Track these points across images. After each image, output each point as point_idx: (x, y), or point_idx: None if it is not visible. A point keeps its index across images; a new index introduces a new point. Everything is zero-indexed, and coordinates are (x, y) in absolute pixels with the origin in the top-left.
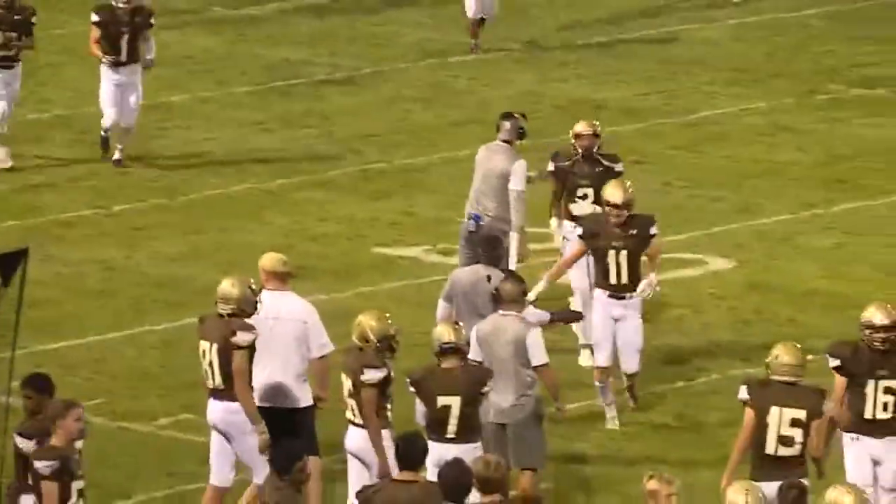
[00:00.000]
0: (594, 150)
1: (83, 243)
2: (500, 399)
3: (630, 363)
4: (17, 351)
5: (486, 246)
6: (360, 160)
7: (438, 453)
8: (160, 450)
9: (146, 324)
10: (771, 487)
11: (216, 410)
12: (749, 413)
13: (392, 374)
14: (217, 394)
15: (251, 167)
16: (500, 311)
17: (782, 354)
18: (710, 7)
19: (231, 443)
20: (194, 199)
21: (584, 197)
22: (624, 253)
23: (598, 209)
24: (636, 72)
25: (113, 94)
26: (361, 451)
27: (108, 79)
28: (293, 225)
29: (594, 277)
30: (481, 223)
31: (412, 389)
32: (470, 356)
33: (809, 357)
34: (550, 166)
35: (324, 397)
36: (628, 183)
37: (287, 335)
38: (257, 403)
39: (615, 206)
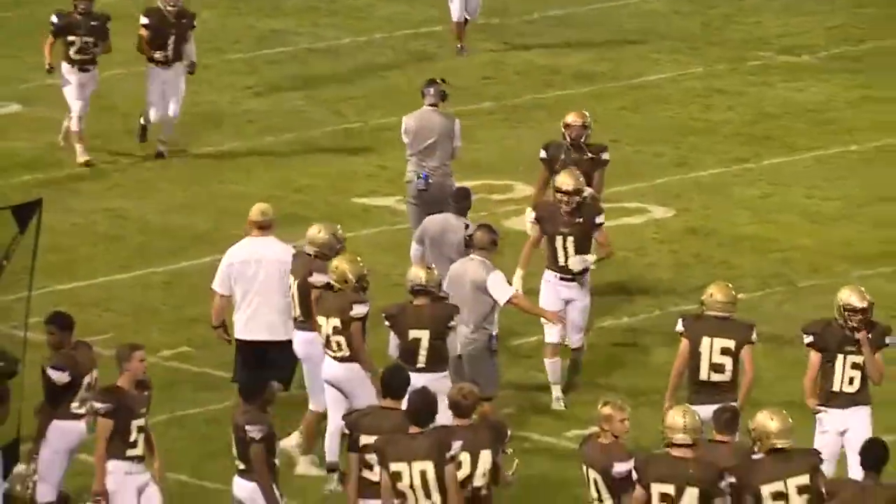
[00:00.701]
0: (582, 140)
1: (94, 195)
2: (461, 331)
3: (573, 340)
4: (34, 291)
5: (457, 196)
6: (340, 121)
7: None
8: (162, 378)
9: (150, 266)
10: (706, 410)
11: (297, 341)
12: (684, 343)
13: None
14: (297, 324)
15: (244, 127)
16: (470, 256)
17: (716, 293)
18: None
19: (312, 368)
20: (193, 155)
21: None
22: (571, 238)
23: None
24: (588, 41)
25: (159, 92)
26: (340, 381)
27: (154, 78)
28: (280, 178)
29: (546, 260)
30: (430, 181)
31: (387, 324)
32: (445, 288)
33: (740, 295)
34: (542, 154)
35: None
36: (578, 172)
37: (269, 275)
38: (243, 337)
39: (566, 192)
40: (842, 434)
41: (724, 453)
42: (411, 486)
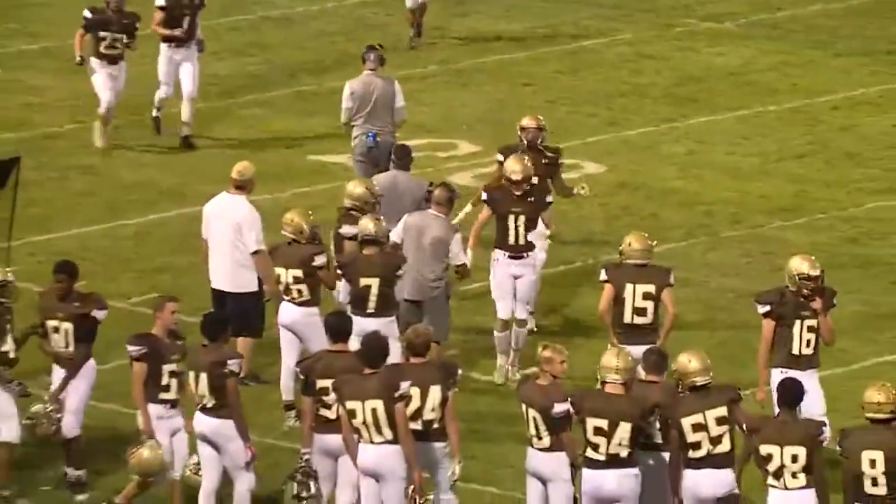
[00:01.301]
0: (538, 143)
1: (68, 153)
2: (420, 280)
3: (519, 312)
4: (13, 241)
5: (399, 153)
6: (295, 83)
7: (360, 326)
8: (132, 323)
9: (121, 219)
10: (633, 350)
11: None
12: (608, 288)
13: None
14: None
15: (207, 89)
16: (431, 211)
17: (633, 242)
18: None
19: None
20: (160, 116)
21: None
22: (522, 218)
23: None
24: (526, 8)
25: (171, 72)
26: (297, 325)
27: (167, 57)
28: (241, 136)
29: (496, 240)
30: (378, 140)
31: (339, 272)
32: (392, 237)
33: (667, 245)
34: (499, 157)
35: (267, 290)
36: (526, 158)
37: (226, 230)
38: (211, 284)
39: (515, 182)
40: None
41: (654, 392)
42: (364, 423)
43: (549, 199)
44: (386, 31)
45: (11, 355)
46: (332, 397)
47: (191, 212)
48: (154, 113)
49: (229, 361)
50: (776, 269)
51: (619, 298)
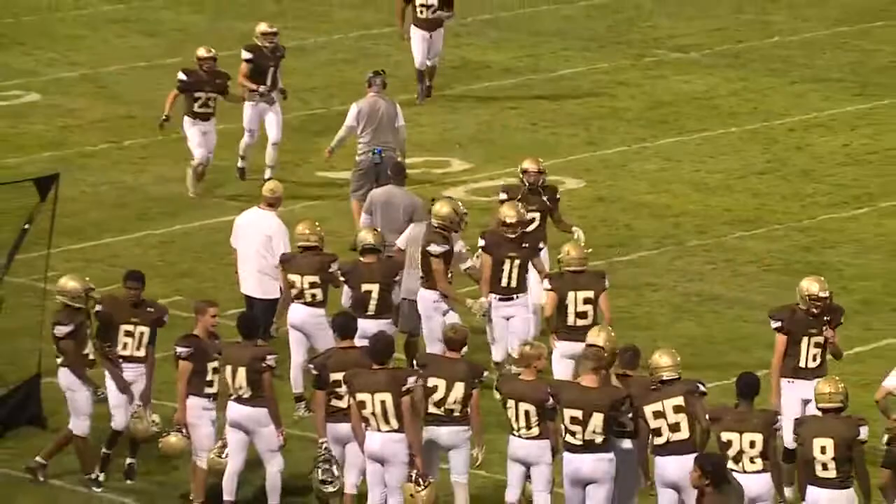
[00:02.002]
0: (539, 184)
1: (101, 170)
2: (411, 283)
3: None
4: (52, 249)
5: (395, 170)
6: (306, 107)
7: (361, 327)
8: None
9: (149, 229)
10: (575, 347)
11: (421, 296)
12: (552, 296)
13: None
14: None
15: (228, 111)
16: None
17: (571, 250)
18: None
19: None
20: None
21: (532, 220)
22: (517, 262)
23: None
24: (512, 40)
25: (255, 119)
26: (307, 325)
27: (251, 107)
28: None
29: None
30: (383, 155)
31: (342, 278)
32: (399, 244)
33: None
34: (502, 195)
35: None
36: (520, 205)
37: (255, 242)
38: (241, 289)
39: (510, 225)
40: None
41: (626, 385)
42: (373, 413)
43: (542, 245)
44: (388, 60)
45: (91, 357)
46: (343, 389)
47: (211, 223)
48: (239, 163)
49: (268, 357)
50: (738, 275)
51: (562, 304)
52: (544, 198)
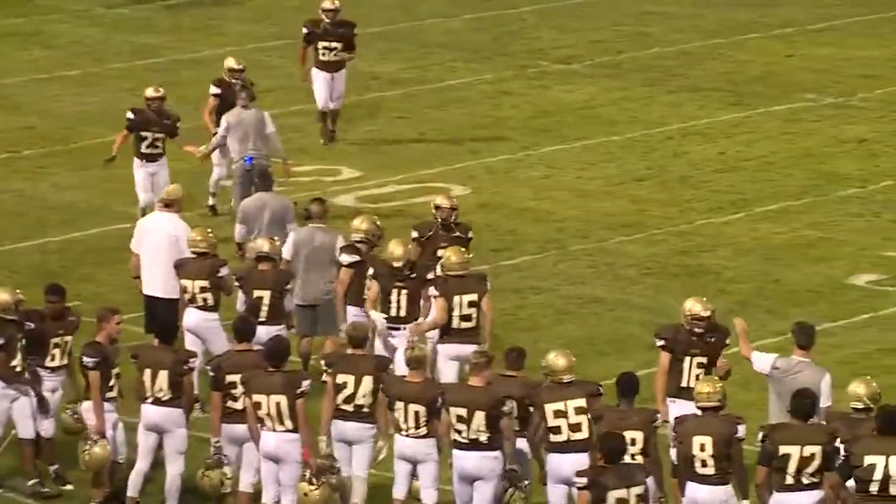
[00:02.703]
0: (452, 220)
1: (1, 178)
2: (314, 288)
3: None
4: None
5: (263, 178)
6: (200, 117)
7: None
8: None
9: (48, 236)
10: (459, 349)
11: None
12: (440, 301)
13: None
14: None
15: (123, 122)
16: (312, 224)
17: (452, 256)
18: (453, 5)
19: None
20: (83, 146)
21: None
22: (404, 293)
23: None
24: (399, 52)
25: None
26: (199, 329)
27: (221, 137)
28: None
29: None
30: (254, 162)
31: (237, 284)
32: (284, 254)
33: (524, 257)
34: (414, 234)
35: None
36: (411, 245)
37: (158, 242)
38: (144, 291)
39: (397, 259)
40: None
41: (511, 385)
42: (268, 414)
43: (430, 275)
44: (280, 71)
45: (18, 369)
46: (239, 391)
47: (109, 229)
48: (210, 200)
49: (190, 360)
50: (618, 278)
51: (449, 308)
52: (456, 234)
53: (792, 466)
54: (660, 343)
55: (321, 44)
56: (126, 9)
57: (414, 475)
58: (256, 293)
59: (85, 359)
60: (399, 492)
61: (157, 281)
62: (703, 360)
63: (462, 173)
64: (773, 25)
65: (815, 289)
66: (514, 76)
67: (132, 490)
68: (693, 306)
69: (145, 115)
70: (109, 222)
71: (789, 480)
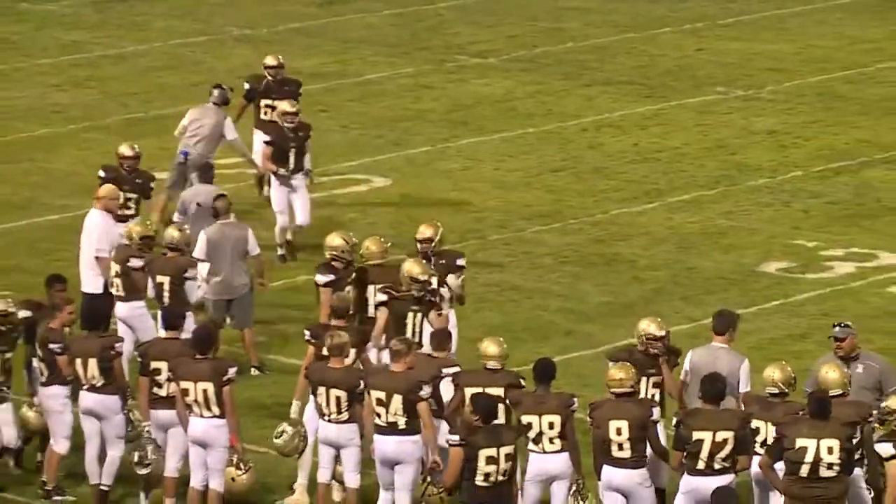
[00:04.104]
0: (430, 251)
1: None
2: (229, 281)
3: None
4: None
5: (202, 171)
6: (126, 111)
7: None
8: None
9: None
10: None
11: None
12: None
13: None
14: None
15: (51, 116)
16: (221, 221)
17: (371, 245)
18: (372, 1)
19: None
20: (11, 140)
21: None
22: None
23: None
24: (320, 47)
25: (284, 200)
26: (126, 318)
27: (278, 188)
28: (81, 158)
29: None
30: (189, 156)
31: (145, 270)
32: (196, 254)
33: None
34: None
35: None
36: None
37: (85, 237)
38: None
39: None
40: None
41: (434, 365)
42: (196, 400)
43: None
44: (202, 66)
45: None
46: (164, 377)
47: (39, 221)
48: (279, 251)
49: (116, 345)
50: (536, 266)
51: (362, 296)
52: (442, 262)
53: (705, 451)
54: (610, 364)
55: (263, 102)
56: (53, 5)
57: (338, 459)
58: (158, 278)
59: (52, 345)
60: (323, 476)
61: (83, 274)
62: (658, 380)
63: (383, 165)
64: (685, 20)
65: (727, 276)
66: (433, 70)
67: (92, 477)
68: (647, 326)
69: (118, 174)
70: (38, 214)
71: (701, 465)
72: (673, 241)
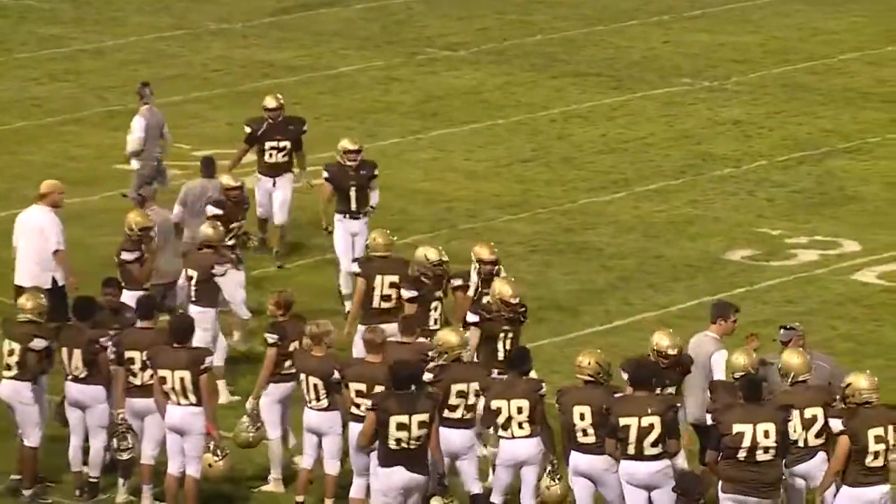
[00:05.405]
0: (493, 275)
1: None
2: (165, 267)
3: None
4: None
5: (206, 164)
6: (103, 104)
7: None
8: None
9: None
10: (386, 329)
11: None
12: (360, 281)
13: None
14: None
15: (30, 109)
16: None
17: (378, 237)
18: None
19: None
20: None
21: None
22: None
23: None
24: (293, 40)
25: (347, 243)
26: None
27: (342, 228)
28: (58, 150)
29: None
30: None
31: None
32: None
33: (415, 236)
34: (457, 282)
35: (69, 282)
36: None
37: (29, 234)
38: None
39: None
40: None
41: (407, 351)
42: (173, 389)
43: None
44: (179, 60)
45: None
46: (138, 366)
47: (16, 213)
48: (345, 304)
49: (101, 339)
50: (507, 255)
51: (369, 287)
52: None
53: (632, 436)
54: (625, 376)
55: (268, 144)
56: (32, 0)
57: (321, 446)
58: (189, 272)
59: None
60: (306, 462)
61: (25, 272)
62: (671, 390)
63: None
64: (652, 13)
65: (693, 264)
66: (404, 63)
67: (74, 465)
68: (661, 340)
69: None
70: (17, 206)
71: (631, 450)
72: (640, 230)
